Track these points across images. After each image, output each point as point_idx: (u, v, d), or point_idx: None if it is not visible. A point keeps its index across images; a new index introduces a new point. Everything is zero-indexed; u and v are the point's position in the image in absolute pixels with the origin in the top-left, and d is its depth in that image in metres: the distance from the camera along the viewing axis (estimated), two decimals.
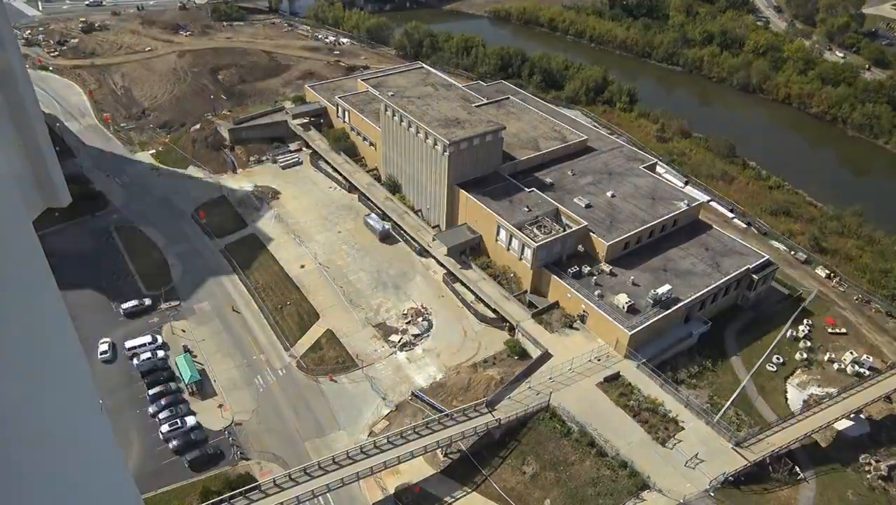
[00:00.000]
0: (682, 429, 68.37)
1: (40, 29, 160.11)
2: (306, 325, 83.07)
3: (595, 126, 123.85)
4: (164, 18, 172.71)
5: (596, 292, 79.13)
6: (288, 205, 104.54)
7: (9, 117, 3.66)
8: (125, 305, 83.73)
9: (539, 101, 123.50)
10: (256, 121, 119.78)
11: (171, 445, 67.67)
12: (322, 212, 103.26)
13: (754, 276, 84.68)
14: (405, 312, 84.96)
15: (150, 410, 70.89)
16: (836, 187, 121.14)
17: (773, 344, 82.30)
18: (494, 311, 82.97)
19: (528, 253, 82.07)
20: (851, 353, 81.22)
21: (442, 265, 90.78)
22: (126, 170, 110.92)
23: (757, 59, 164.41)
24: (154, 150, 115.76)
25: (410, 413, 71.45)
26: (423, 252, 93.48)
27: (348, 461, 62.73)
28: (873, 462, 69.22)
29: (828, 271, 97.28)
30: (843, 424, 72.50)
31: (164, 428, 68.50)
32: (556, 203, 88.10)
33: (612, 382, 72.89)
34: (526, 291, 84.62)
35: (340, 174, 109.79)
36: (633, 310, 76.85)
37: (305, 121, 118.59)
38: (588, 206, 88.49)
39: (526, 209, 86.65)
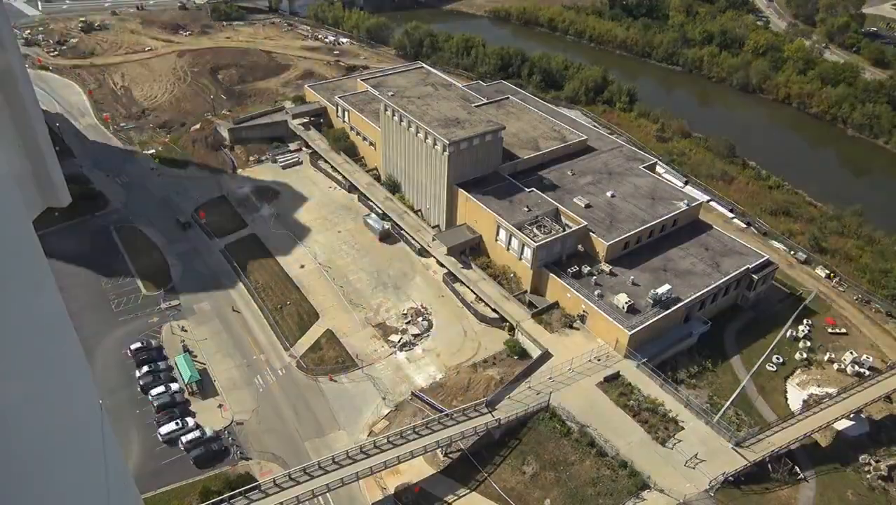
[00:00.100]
0: (682, 429, 68.37)
1: (40, 29, 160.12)
2: (306, 325, 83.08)
3: (595, 126, 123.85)
4: (164, 18, 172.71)
5: (596, 292, 79.13)
6: (288, 205, 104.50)
7: (9, 117, 3.66)
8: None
9: (539, 101, 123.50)
10: (256, 121, 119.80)
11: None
12: (322, 212, 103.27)
13: (754, 276, 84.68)
14: (405, 312, 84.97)
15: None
16: (836, 187, 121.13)
17: (773, 344, 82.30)
18: (494, 311, 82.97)
19: (528, 253, 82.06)
20: (851, 353, 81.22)
21: (442, 265, 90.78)
22: (126, 170, 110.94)
23: (757, 59, 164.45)
24: (154, 150, 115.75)
25: (410, 413, 71.46)
26: (423, 252, 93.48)
27: (348, 461, 62.73)
28: (873, 462, 69.21)
29: (828, 271, 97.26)
30: (843, 424, 72.50)
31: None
32: (555, 203, 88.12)
33: (612, 382, 72.89)
34: (526, 291, 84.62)
35: (340, 174, 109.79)
36: (633, 310, 76.85)
37: (305, 121, 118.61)
38: (588, 206, 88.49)
39: (526, 209, 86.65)
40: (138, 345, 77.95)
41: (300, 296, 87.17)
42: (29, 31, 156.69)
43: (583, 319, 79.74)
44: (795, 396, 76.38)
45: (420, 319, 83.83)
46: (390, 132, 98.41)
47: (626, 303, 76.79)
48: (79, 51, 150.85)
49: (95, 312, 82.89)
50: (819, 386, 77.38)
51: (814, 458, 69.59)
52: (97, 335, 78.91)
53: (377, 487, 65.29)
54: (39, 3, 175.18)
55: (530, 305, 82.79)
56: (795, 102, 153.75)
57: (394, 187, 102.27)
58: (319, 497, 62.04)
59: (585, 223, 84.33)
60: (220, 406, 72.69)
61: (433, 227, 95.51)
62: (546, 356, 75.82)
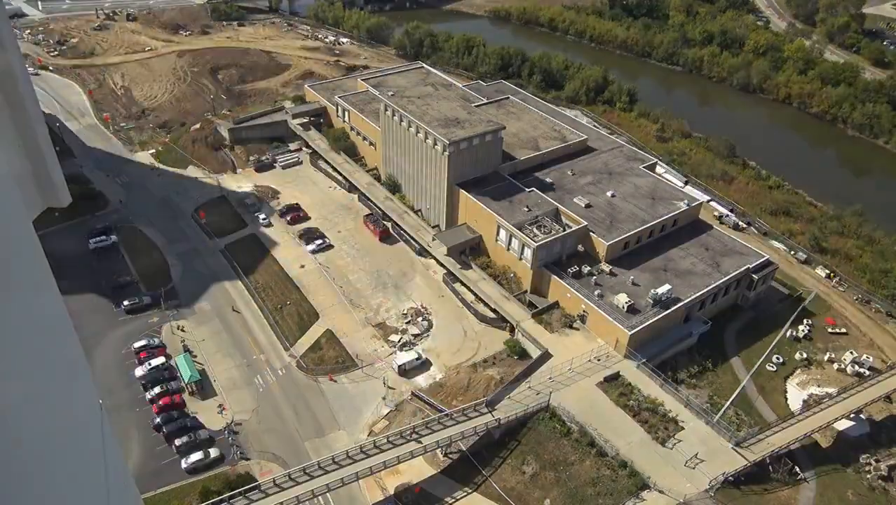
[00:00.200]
0: (682, 429, 68.36)
1: (40, 29, 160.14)
2: (306, 325, 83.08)
3: (595, 126, 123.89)
4: (164, 18, 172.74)
5: (596, 292, 79.12)
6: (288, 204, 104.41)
7: (9, 117, 3.66)
8: (125, 302, 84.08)
9: (539, 101, 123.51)
10: (256, 121, 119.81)
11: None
12: (322, 211, 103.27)
13: (754, 276, 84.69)
14: (405, 312, 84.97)
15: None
16: (836, 187, 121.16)
17: (773, 344, 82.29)
18: (494, 311, 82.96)
19: (528, 253, 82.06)
20: (851, 353, 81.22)
21: (442, 265, 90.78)
22: (126, 170, 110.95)
23: (757, 59, 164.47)
24: (154, 150, 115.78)
25: (410, 413, 71.45)
26: (423, 252, 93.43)
27: (348, 461, 62.72)
28: (873, 462, 69.22)
29: (828, 271, 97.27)
30: (843, 424, 72.50)
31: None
32: (556, 203, 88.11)
33: (612, 382, 72.88)
34: (526, 291, 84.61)
35: (340, 174, 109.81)
36: (633, 310, 76.84)
37: (305, 121, 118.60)
38: (588, 206, 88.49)
39: (526, 209, 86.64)
40: (143, 343, 78.26)
41: (300, 296, 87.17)
42: (29, 31, 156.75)
43: (583, 319, 79.74)
44: (795, 396, 76.39)
45: (420, 319, 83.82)
46: (390, 132, 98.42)
47: (626, 303, 76.79)
48: (79, 51, 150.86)
49: (95, 311, 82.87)
50: (819, 386, 77.39)
51: (814, 458, 69.60)
52: (97, 335, 78.89)
53: (377, 487, 65.28)
54: (39, 3, 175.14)
55: (530, 305, 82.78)
56: (795, 102, 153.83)
57: (394, 187, 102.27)
58: (319, 497, 62.03)
59: (585, 223, 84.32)
60: (219, 406, 72.67)
61: (433, 227, 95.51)
62: (546, 356, 75.81)
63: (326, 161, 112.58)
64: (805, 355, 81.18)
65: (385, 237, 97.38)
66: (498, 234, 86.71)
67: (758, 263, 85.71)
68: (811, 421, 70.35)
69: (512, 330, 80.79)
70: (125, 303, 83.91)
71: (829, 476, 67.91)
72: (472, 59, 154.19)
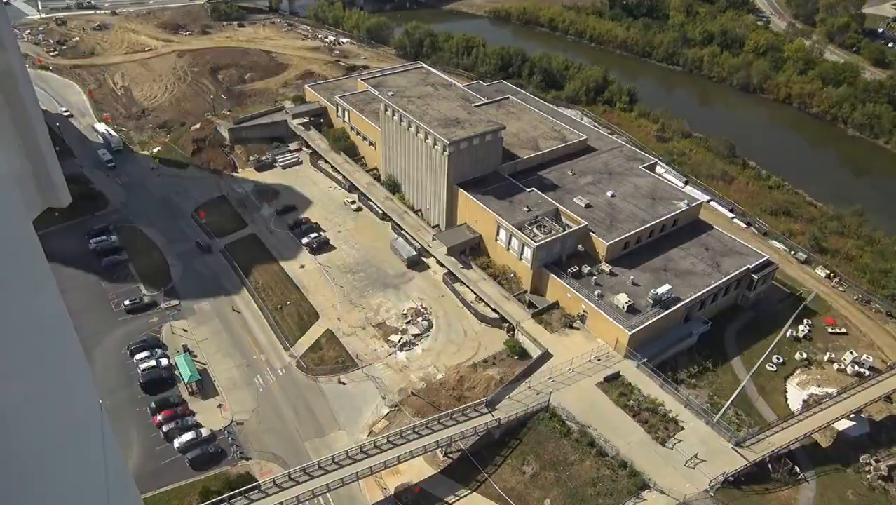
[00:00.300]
0: (682, 429, 68.35)
1: (40, 29, 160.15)
2: (306, 325, 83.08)
3: (595, 126, 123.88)
4: (164, 18, 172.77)
5: (596, 292, 79.11)
6: (288, 204, 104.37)
7: (9, 117, 3.66)
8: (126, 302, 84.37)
9: (539, 101, 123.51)
10: (256, 121, 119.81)
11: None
12: (322, 211, 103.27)
13: (754, 276, 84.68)
14: (405, 312, 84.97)
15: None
16: (836, 187, 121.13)
17: (773, 344, 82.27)
18: (494, 311, 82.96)
19: (528, 253, 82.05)
20: (851, 353, 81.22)
21: (442, 265, 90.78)
22: (126, 170, 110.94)
23: (757, 59, 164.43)
24: (154, 150, 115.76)
25: (410, 413, 71.46)
26: (419, 261, 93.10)
27: (348, 461, 62.72)
28: (873, 462, 69.21)
29: (828, 271, 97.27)
30: (843, 424, 72.49)
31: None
32: (556, 203, 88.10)
33: (612, 382, 72.87)
34: (526, 291, 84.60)
35: (340, 174, 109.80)
36: (633, 310, 76.83)
37: (305, 121, 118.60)
38: (588, 206, 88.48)
39: (526, 209, 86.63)
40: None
41: (300, 296, 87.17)
42: (29, 31, 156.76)
43: (583, 319, 79.73)
44: (795, 396, 76.37)
45: (420, 319, 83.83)
46: (390, 132, 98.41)
47: (626, 303, 76.78)
48: (79, 51, 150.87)
49: (95, 311, 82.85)
50: (819, 386, 77.37)
51: (814, 458, 69.59)
52: (97, 335, 78.89)
53: (377, 487, 65.28)
54: (39, 3, 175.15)
55: (530, 305, 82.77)
56: (796, 102, 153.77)
57: (394, 187, 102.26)
58: (319, 497, 62.03)
59: (585, 223, 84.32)
60: (220, 406, 72.66)
61: (433, 227, 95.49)
62: (546, 356, 75.80)
63: (326, 161, 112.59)
64: (805, 355, 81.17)
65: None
66: (498, 234, 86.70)
67: (758, 263, 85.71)
68: (811, 421, 70.34)
69: (512, 330, 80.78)
70: (126, 302, 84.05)
71: (829, 476, 67.90)
72: (472, 59, 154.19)
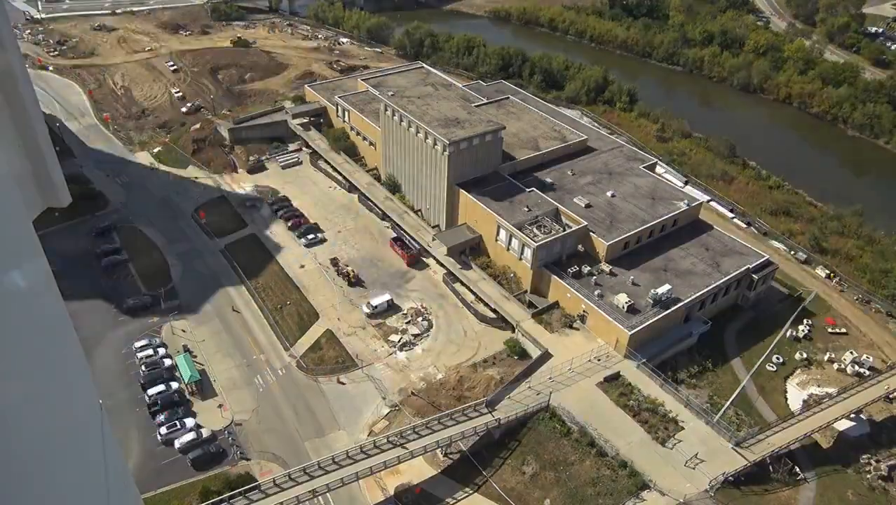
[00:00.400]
0: (682, 429, 68.36)
1: (40, 29, 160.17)
2: (306, 325, 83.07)
3: (595, 126, 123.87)
4: (164, 18, 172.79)
5: (596, 292, 79.11)
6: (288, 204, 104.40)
7: (9, 117, 3.66)
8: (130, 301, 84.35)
9: (539, 101, 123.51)
10: (256, 121, 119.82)
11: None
12: (322, 211, 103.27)
13: (754, 276, 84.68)
14: (405, 312, 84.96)
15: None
16: (836, 187, 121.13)
17: (773, 344, 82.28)
18: (494, 311, 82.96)
19: (528, 253, 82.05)
20: (851, 353, 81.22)
21: (442, 265, 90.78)
22: (126, 170, 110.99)
23: (757, 59, 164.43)
24: (154, 150, 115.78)
25: (410, 413, 71.46)
26: (419, 261, 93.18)
27: (348, 461, 62.72)
28: (873, 462, 69.21)
29: (828, 271, 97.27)
30: (843, 424, 72.49)
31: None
32: (556, 203, 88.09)
33: (612, 382, 72.88)
34: (526, 291, 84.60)
35: (340, 174, 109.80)
36: (633, 310, 76.83)
37: (305, 121, 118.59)
38: (588, 206, 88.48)
39: (526, 209, 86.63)
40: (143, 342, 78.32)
41: (300, 296, 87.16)
42: (29, 31, 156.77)
43: (583, 319, 79.73)
44: (795, 396, 76.37)
45: (420, 319, 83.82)
46: (390, 132, 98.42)
47: (626, 303, 76.78)
48: (79, 51, 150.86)
49: (95, 312, 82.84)
50: (819, 386, 77.37)
51: (814, 458, 69.59)
52: (97, 335, 78.88)
53: (377, 488, 65.28)
54: (39, 3, 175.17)
55: (530, 305, 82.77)
56: (796, 102, 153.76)
57: (394, 187, 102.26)
58: (319, 497, 62.02)
59: (585, 223, 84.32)
60: (220, 406, 72.66)
61: (433, 227, 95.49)
62: (546, 356, 75.80)
63: (326, 161, 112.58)
64: (805, 355, 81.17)
65: (414, 262, 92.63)
66: (498, 234, 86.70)
67: (758, 263, 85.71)
68: (811, 421, 70.34)
69: (512, 330, 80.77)
70: (129, 301, 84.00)
71: (829, 476, 67.90)
72: (472, 59, 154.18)
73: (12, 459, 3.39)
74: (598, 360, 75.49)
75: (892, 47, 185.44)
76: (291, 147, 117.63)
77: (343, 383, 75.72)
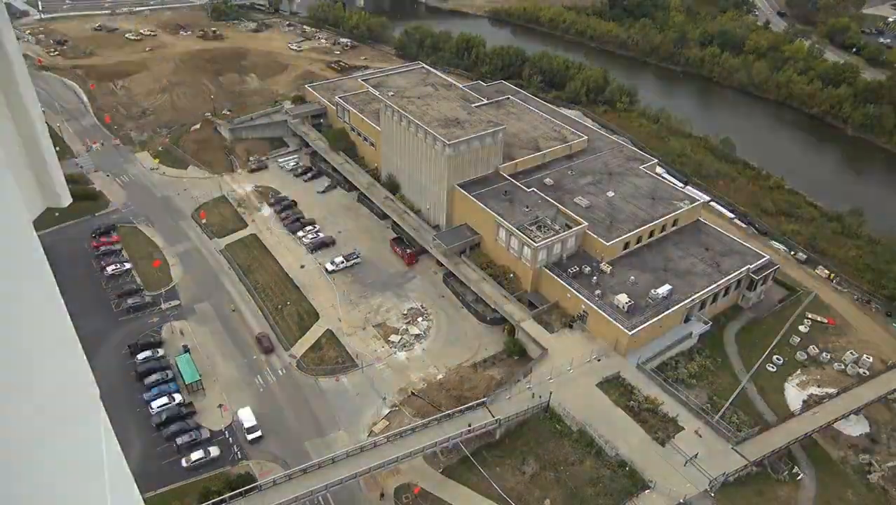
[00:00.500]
0: (682, 429, 68.34)
1: (40, 29, 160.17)
2: (306, 325, 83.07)
3: (595, 126, 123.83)
4: (164, 18, 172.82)
5: (596, 292, 79.10)
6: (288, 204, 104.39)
7: (9, 117, 3.66)
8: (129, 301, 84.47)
9: (539, 101, 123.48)
10: (256, 121, 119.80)
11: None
12: (322, 211, 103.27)
13: (754, 276, 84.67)
14: (405, 312, 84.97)
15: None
16: (836, 187, 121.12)
17: (773, 344, 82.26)
18: (494, 311, 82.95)
19: (528, 253, 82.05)
20: (851, 353, 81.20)
21: (442, 265, 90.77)
22: (126, 170, 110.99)
23: (757, 60, 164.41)
24: (154, 150, 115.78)
25: (410, 413, 71.45)
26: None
27: (348, 461, 62.67)
28: (873, 462, 69.19)
29: (828, 271, 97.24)
30: (843, 424, 72.46)
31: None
32: (556, 203, 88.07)
33: (612, 382, 72.87)
34: (526, 291, 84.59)
35: (340, 174, 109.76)
36: (633, 310, 76.82)
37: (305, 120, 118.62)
38: (588, 206, 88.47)
39: (526, 209, 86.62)
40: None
41: (300, 296, 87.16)
42: (30, 31, 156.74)
43: (583, 318, 79.72)
44: (795, 396, 76.33)
45: (420, 318, 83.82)
46: (390, 132, 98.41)
47: (626, 303, 76.78)
48: (79, 51, 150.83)
49: (95, 312, 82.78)
50: (819, 386, 77.34)
51: (814, 458, 69.55)
52: (97, 335, 78.84)
53: (377, 487, 65.26)
54: (40, 3, 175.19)
55: (530, 305, 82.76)
56: (796, 102, 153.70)
57: (394, 187, 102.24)
58: (319, 497, 62.01)
59: (585, 223, 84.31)
60: (220, 406, 72.64)
61: (433, 227, 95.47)
62: (546, 356, 75.78)
63: (326, 161, 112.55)
64: (805, 355, 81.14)
65: (414, 262, 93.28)
66: (498, 234, 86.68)
67: (758, 263, 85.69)
68: (811, 421, 70.34)
69: (512, 330, 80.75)
70: (129, 301, 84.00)
71: (829, 476, 67.87)
72: (472, 59, 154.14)
73: (11, 459, 3.39)
74: (598, 360, 75.48)
75: (891, 46, 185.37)
76: (291, 147, 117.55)
77: (339, 380, 75.66)
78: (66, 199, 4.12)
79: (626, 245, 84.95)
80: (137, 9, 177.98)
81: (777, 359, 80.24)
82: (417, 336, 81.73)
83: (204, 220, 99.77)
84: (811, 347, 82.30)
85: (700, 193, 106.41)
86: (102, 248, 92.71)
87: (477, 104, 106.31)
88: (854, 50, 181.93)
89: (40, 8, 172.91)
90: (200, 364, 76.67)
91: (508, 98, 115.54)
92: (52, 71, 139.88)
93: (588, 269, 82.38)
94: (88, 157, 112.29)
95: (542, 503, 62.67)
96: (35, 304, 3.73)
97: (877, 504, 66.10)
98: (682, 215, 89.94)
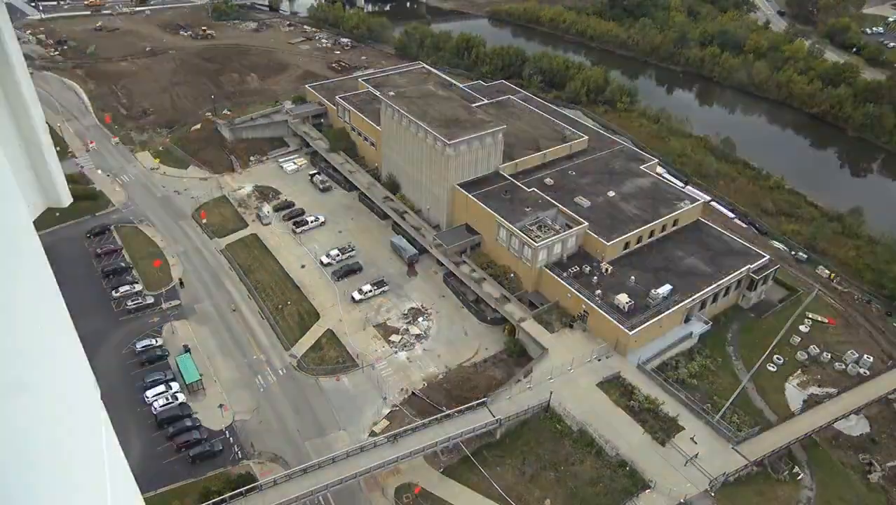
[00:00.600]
0: (683, 429, 68.34)
1: (41, 29, 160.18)
2: (306, 325, 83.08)
3: (595, 126, 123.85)
4: (164, 18, 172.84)
5: (596, 292, 79.09)
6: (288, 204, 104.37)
7: (10, 117, 3.67)
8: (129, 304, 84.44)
9: (539, 101, 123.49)
10: (256, 121, 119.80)
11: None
12: (322, 211, 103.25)
13: (754, 276, 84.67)
14: (405, 312, 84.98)
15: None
16: (836, 187, 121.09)
17: (773, 344, 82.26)
18: (494, 311, 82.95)
19: (529, 253, 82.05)
20: (852, 353, 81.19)
21: (442, 265, 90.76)
22: (127, 169, 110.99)
23: (757, 59, 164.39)
24: (154, 150, 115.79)
25: (411, 413, 71.45)
26: (418, 260, 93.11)
27: (348, 461, 62.68)
28: (873, 462, 69.19)
29: (828, 271, 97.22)
30: (843, 424, 72.46)
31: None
32: (556, 203, 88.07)
33: (612, 382, 72.87)
34: (526, 291, 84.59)
35: (340, 174, 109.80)
36: (633, 310, 76.82)
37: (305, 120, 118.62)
38: (588, 206, 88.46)
39: (526, 209, 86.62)
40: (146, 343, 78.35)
41: (300, 296, 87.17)
42: (30, 32, 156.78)
43: (583, 318, 79.71)
44: (795, 396, 76.33)
45: (420, 318, 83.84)
46: (391, 132, 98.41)
47: (627, 303, 76.78)
48: (79, 51, 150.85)
49: (95, 312, 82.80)
50: (819, 386, 77.33)
51: (814, 458, 69.54)
52: (98, 335, 78.86)
53: (377, 487, 65.27)
54: (40, 3, 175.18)
55: (530, 305, 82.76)
56: (796, 102, 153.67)
57: (394, 187, 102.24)
58: (319, 497, 62.01)
59: (586, 223, 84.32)
60: (220, 406, 72.65)
61: (434, 227, 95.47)
62: (546, 356, 75.77)
63: (326, 161, 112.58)
64: (805, 355, 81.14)
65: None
66: (498, 234, 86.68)
67: (758, 263, 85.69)
68: (811, 421, 70.33)
69: (512, 330, 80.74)
70: (128, 304, 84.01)
71: (829, 476, 67.87)
72: (472, 59, 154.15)
73: (12, 459, 3.40)
74: (598, 360, 75.48)
75: (891, 45, 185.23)
76: (291, 147, 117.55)
77: (339, 380, 75.70)
78: (67, 199, 4.13)
79: (627, 245, 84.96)
80: (138, 8, 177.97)
81: (777, 359, 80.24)
82: (418, 336, 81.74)
83: (204, 220, 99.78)
84: (812, 346, 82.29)
85: (700, 193, 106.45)
86: (104, 256, 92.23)
87: (477, 104, 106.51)
88: (854, 50, 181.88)
89: (41, 8, 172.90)
90: (200, 364, 76.71)
91: (509, 98, 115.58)
92: (52, 71, 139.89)
93: (588, 268, 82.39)
94: (88, 157, 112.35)
95: (542, 503, 62.68)
96: (36, 304, 3.74)
97: (877, 504, 66.10)
98: (683, 215, 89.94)
